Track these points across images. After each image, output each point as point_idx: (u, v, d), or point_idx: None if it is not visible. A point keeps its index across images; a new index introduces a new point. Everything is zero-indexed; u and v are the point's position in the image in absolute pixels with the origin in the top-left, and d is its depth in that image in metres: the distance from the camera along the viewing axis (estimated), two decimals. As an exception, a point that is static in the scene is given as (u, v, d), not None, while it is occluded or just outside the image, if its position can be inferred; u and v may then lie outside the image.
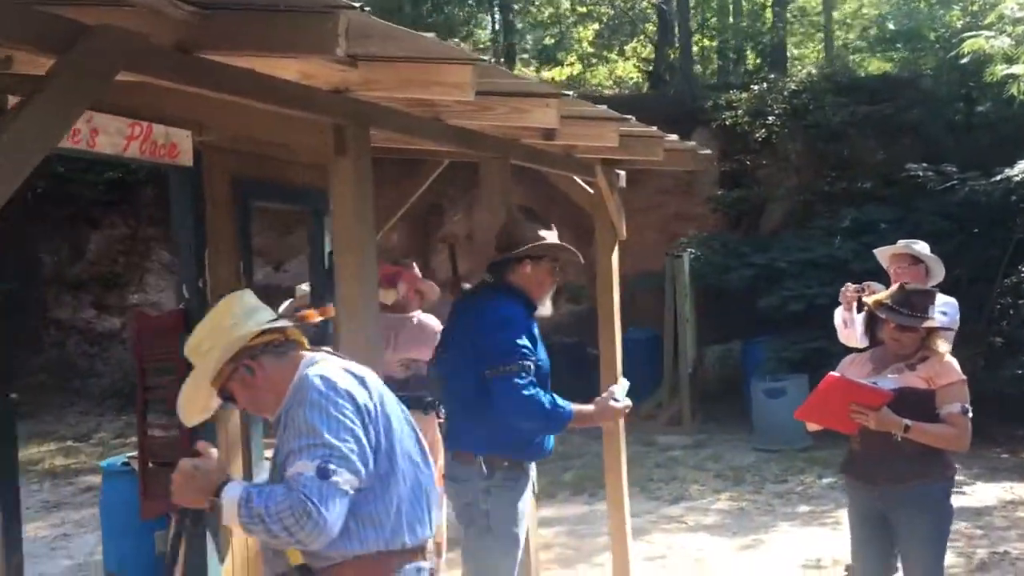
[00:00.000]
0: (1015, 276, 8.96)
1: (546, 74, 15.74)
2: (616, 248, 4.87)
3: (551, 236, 3.36)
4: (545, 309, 3.36)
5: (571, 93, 3.45)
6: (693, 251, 10.46)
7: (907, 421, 3.52)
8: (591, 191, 4.84)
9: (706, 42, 15.28)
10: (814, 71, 12.01)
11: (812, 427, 4.01)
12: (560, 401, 3.18)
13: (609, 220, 4.74)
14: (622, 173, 4.88)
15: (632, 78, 15.84)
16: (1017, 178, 8.73)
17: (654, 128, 4.01)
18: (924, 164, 9.37)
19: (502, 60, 15.89)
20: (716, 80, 13.45)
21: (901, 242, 5.34)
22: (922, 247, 5.20)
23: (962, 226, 9.38)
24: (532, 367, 3.09)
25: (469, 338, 3.22)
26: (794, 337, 9.49)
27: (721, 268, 10.22)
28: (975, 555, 5.65)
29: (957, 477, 7.36)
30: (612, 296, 4.83)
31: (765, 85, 11.71)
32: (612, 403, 3.34)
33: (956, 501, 6.79)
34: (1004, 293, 9.11)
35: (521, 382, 3.04)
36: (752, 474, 7.95)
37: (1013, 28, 7.45)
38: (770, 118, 11.18)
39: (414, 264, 5.22)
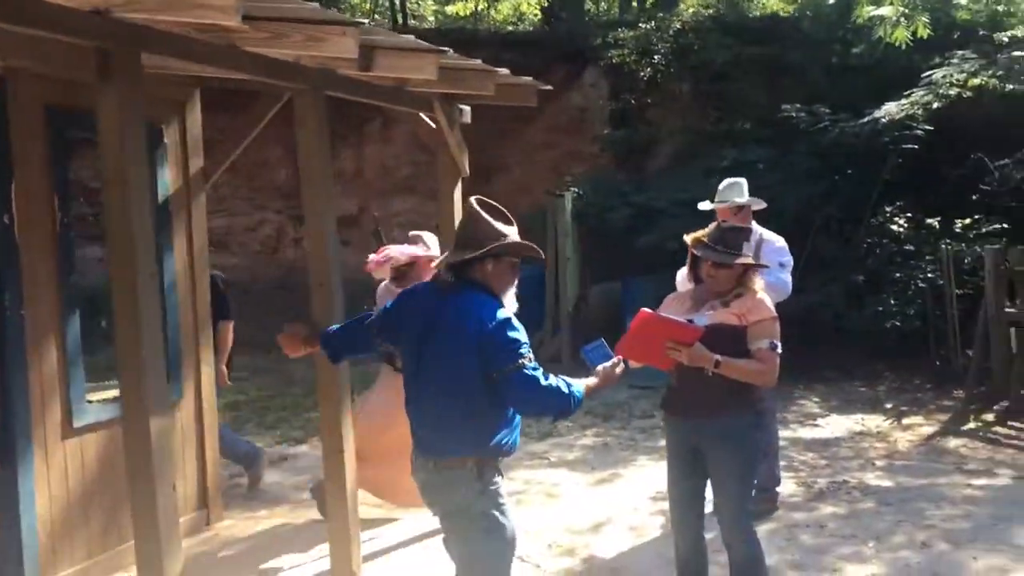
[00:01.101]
0: (881, 216, 9.22)
1: (450, 9, 15.41)
2: (459, 185, 4.78)
3: (511, 232, 3.25)
4: (510, 304, 3.27)
5: (366, 22, 3.30)
6: (575, 190, 10.45)
7: (718, 356, 3.58)
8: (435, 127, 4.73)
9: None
10: (701, 11, 11.99)
11: (634, 364, 4.04)
12: (568, 381, 3.15)
13: (451, 156, 4.64)
14: (466, 108, 4.77)
15: (536, 15, 15.61)
16: (884, 120, 8.94)
17: (477, 61, 3.91)
18: (797, 105, 9.50)
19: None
20: (615, 17, 13.32)
21: (723, 186, 5.52)
22: (740, 190, 5.39)
23: (834, 167, 9.59)
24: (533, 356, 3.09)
25: (472, 342, 3.10)
26: (671, 276, 9.61)
27: (602, 207, 10.26)
28: (815, 484, 5.86)
29: (813, 410, 7.91)
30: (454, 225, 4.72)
31: (653, 24, 11.66)
32: (605, 366, 3.32)
33: (809, 433, 7.24)
34: (871, 232, 9.38)
35: (535, 373, 3.03)
36: (622, 410, 8.10)
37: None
38: (655, 57, 11.17)
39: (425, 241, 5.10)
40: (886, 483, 5.85)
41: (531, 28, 14.03)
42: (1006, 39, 9.46)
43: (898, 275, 9.00)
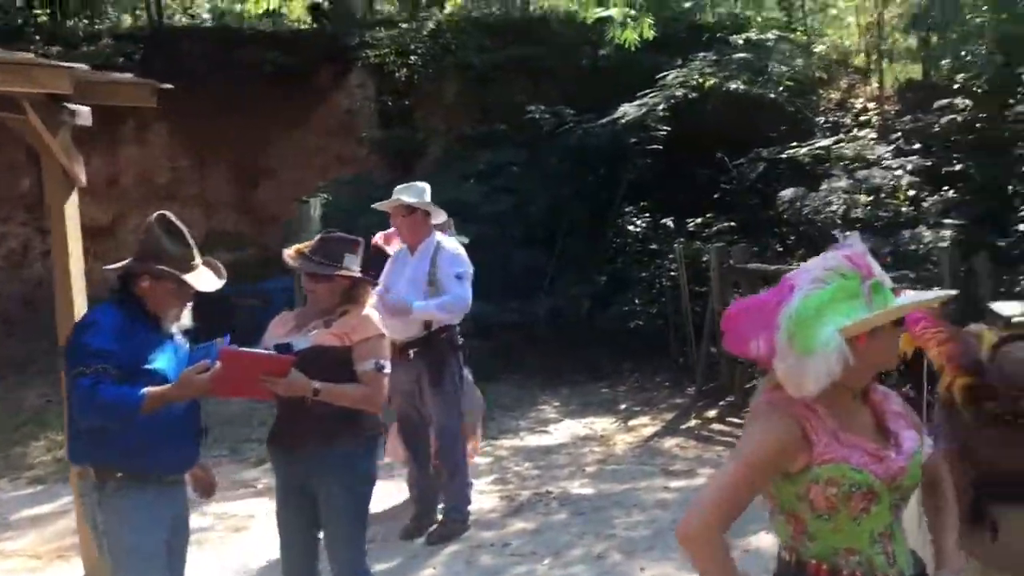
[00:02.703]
0: (624, 217, 9.29)
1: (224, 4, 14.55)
2: (74, 195, 4.24)
3: (187, 254, 3.17)
4: (175, 323, 3.20)
5: None
6: (325, 196, 10.02)
7: (316, 384, 3.25)
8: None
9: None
10: (461, 11, 11.82)
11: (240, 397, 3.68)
12: (129, 391, 2.94)
13: (58, 165, 4.10)
14: (84, 110, 4.23)
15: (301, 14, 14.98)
16: (623, 121, 8.99)
17: (28, 55, 3.41)
18: (542, 107, 9.45)
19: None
20: (376, 16, 12.93)
21: (398, 188, 5.26)
22: (416, 193, 5.12)
23: (583, 168, 9.60)
24: (105, 369, 2.93)
25: None
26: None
27: (351, 213, 9.86)
28: (518, 497, 5.70)
29: (549, 416, 7.81)
30: (66, 251, 4.19)
31: (412, 24, 11.38)
32: (187, 371, 3.01)
33: (536, 440, 7.10)
34: (618, 233, 9.44)
35: (86, 382, 2.91)
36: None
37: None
38: (412, 58, 10.89)
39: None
40: (588, 491, 5.75)
41: (301, 26, 13.44)
42: (741, 41, 9.74)
43: (643, 275, 9.09)
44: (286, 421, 3.46)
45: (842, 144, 8.65)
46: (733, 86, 9.10)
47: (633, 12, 7.90)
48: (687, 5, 10.61)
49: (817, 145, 8.85)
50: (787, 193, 7.74)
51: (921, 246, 6.84)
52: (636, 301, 8.85)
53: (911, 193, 7.94)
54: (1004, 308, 5.42)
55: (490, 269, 9.63)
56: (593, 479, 5.98)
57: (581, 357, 8.92)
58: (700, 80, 8.99)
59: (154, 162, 12.79)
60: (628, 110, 8.92)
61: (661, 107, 8.44)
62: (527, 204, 9.64)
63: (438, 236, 5.18)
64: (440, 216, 5.23)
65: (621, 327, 8.85)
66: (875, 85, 10.67)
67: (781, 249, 8.35)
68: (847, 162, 7.90)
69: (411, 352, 4.93)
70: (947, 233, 6.88)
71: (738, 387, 7.52)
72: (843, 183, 7.46)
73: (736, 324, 2.01)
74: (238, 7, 15.07)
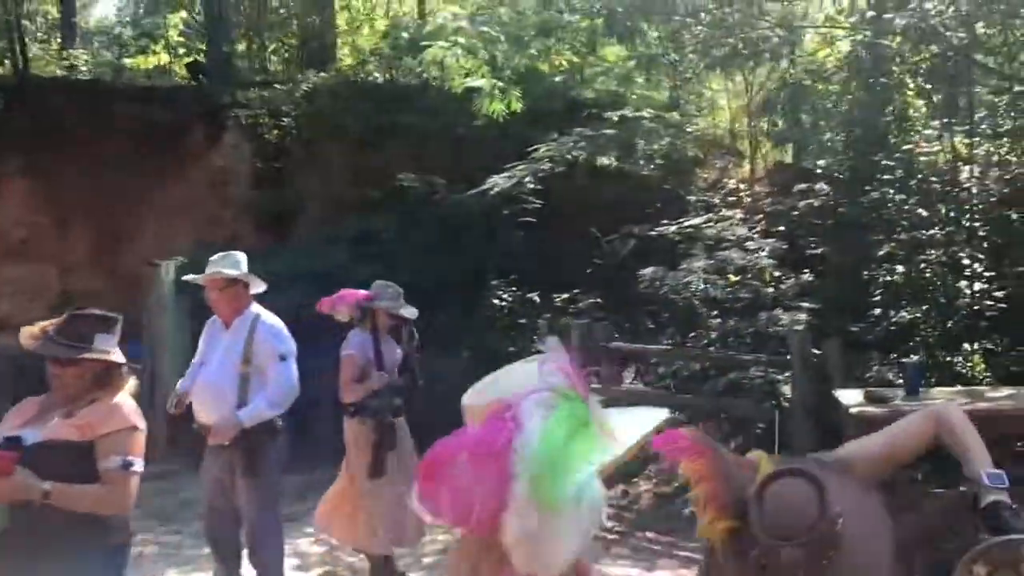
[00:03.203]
0: (491, 291, 9.06)
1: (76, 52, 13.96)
2: None
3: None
4: None
5: None
6: (180, 259, 9.52)
7: (47, 485, 2.81)
8: None
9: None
10: (326, 75, 11.60)
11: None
12: None
13: None
14: None
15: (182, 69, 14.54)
16: (493, 191, 8.82)
17: None
18: (411, 175, 9.23)
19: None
20: (250, 77, 12.61)
21: (216, 257, 4.91)
22: (233, 263, 4.78)
23: (451, 239, 9.36)
24: None
25: None
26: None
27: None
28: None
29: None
30: None
31: (291, 85, 11.12)
32: None
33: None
34: (488, 307, 9.19)
35: None
36: (194, 508, 7.15)
37: (460, 37, 7.35)
38: (285, 119, 10.58)
39: None
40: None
41: (181, 82, 13.01)
42: (616, 118, 9.75)
43: (511, 349, 8.81)
44: (16, 531, 2.98)
45: (710, 224, 8.65)
46: (605, 161, 9.05)
47: (501, 84, 7.74)
48: (557, 79, 10.58)
49: (686, 224, 8.83)
50: (648, 271, 7.63)
51: (778, 328, 6.78)
52: (502, 378, 8.54)
53: (777, 275, 7.96)
54: (845, 396, 5.33)
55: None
56: (429, 571, 5.59)
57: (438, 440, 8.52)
58: (570, 155, 8.92)
59: (9, 218, 12.05)
60: (498, 181, 8.76)
61: (528, 179, 8.29)
62: (395, 273, 9.32)
63: (255, 308, 4.82)
64: (260, 286, 4.88)
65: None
66: (747, 168, 10.84)
67: (653, 326, 8.22)
68: (710, 242, 7.86)
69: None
70: (803, 316, 6.84)
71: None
72: (701, 263, 7.39)
73: (441, 479, 1.43)
74: (127, 61, 14.57)
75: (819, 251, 7.91)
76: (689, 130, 9.95)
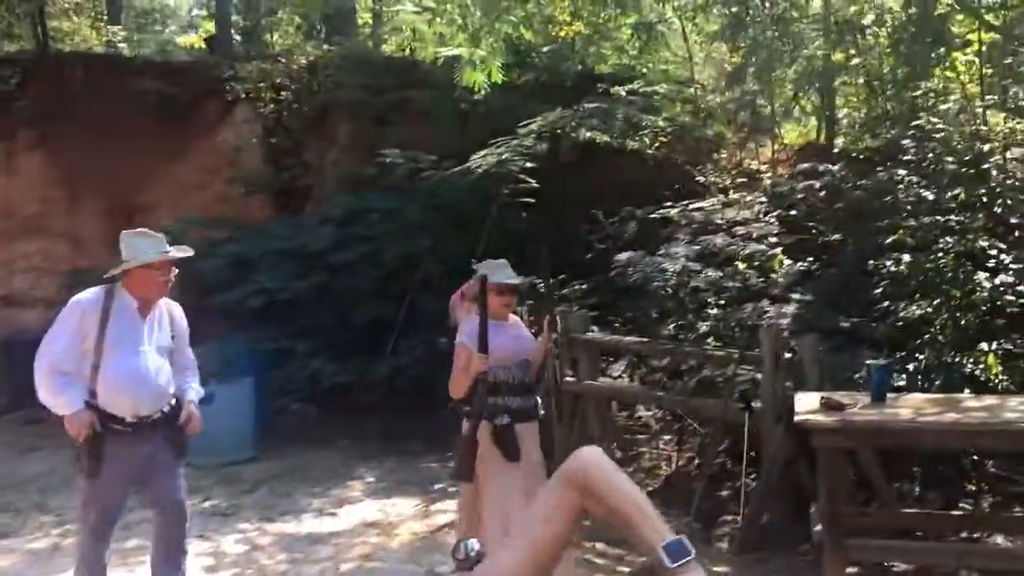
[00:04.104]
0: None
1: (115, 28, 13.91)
2: None
3: None
4: None
5: None
6: (169, 234, 9.24)
7: None
8: None
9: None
10: (325, 48, 11.17)
11: None
12: None
13: None
14: None
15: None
16: (480, 169, 8.28)
17: None
18: (397, 151, 8.75)
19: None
20: (253, 51, 12.28)
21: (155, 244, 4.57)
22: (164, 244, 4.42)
23: (438, 219, 8.88)
24: None
25: None
26: (257, 334, 8.59)
27: (196, 257, 9.08)
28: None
29: (350, 494, 6.90)
30: None
31: (281, 60, 10.76)
32: None
33: (313, 525, 6.12)
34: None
35: None
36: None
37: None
38: (283, 94, 10.22)
39: None
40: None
41: (192, 58, 12.79)
42: (624, 92, 9.09)
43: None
44: None
45: (716, 208, 7.93)
46: (606, 139, 8.42)
47: (481, 53, 7.18)
48: (545, 50, 9.93)
49: (692, 207, 8.12)
50: (623, 256, 6.97)
51: (762, 321, 6.07)
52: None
53: (788, 263, 7.20)
54: (803, 401, 4.58)
55: (331, 323, 8.87)
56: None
57: (420, 425, 8.07)
58: (570, 130, 8.30)
59: (21, 193, 12.03)
60: (488, 158, 8.20)
61: (516, 158, 7.72)
62: (381, 254, 8.89)
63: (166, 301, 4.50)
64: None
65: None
66: (775, 147, 10.03)
67: (634, 315, 7.57)
68: (696, 225, 7.16)
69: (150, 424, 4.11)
70: (790, 309, 6.12)
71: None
72: (681, 248, 6.70)
73: None
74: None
75: (827, 239, 7.13)
76: (703, 105, 9.21)
